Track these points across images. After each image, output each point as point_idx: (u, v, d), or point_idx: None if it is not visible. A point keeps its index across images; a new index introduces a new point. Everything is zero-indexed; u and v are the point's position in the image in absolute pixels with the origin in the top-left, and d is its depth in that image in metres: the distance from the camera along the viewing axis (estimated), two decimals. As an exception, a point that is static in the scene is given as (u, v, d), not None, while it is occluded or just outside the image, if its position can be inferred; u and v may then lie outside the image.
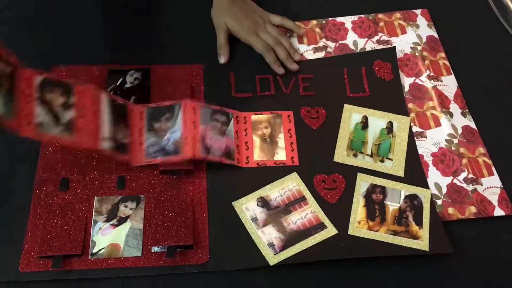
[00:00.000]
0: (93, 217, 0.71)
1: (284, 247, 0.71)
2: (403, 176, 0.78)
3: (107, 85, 0.83)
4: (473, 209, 0.75)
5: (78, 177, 0.74)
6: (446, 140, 0.81)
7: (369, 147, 0.80)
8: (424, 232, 0.72)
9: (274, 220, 0.73)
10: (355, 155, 0.80)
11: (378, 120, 0.83)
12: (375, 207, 0.75)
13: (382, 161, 0.79)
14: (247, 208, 0.74)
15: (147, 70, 0.85)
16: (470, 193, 0.77)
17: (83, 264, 0.68)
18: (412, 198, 0.75)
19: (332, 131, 0.82)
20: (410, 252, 0.70)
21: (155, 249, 0.70)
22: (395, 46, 0.90)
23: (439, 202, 0.76)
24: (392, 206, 0.75)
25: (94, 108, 0.72)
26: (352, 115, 0.83)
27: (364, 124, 0.83)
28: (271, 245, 0.71)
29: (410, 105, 0.85)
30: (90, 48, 0.88)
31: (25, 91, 0.66)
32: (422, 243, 0.71)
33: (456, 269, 0.71)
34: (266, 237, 0.71)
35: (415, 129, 0.83)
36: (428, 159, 0.80)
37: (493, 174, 0.79)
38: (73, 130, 0.69)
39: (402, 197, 0.76)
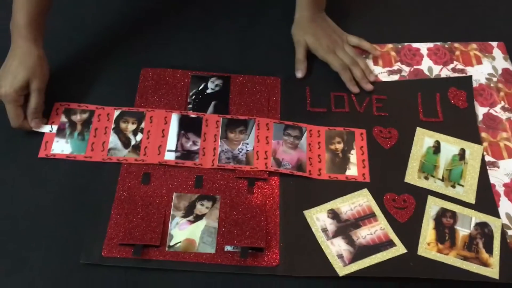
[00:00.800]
0: (172, 212, 0.75)
1: (353, 259, 0.72)
2: (474, 203, 0.78)
3: (189, 89, 0.87)
4: None
5: (159, 172, 0.78)
6: None
7: (440, 171, 0.81)
8: (495, 260, 0.72)
9: (344, 232, 0.75)
10: (426, 178, 0.81)
11: (450, 146, 0.84)
12: (445, 230, 0.75)
13: (453, 186, 0.80)
14: (318, 218, 0.76)
15: (227, 78, 0.89)
16: None
17: (161, 255, 0.71)
18: (482, 226, 0.76)
19: (403, 152, 0.83)
20: (480, 279, 0.70)
21: (228, 248, 0.72)
22: (471, 75, 0.92)
23: (510, 232, 0.76)
24: (463, 231, 0.75)
25: (161, 128, 0.81)
26: (424, 138, 0.85)
27: (436, 148, 0.84)
28: (340, 256, 0.72)
29: (483, 134, 0.86)
30: (177, 54, 0.93)
31: (104, 125, 0.81)
32: (492, 271, 0.71)
33: None
34: (335, 248, 0.73)
35: (488, 158, 0.83)
36: (500, 189, 0.80)
37: None
38: (139, 151, 0.79)
39: (473, 224, 0.76)
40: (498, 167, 0.82)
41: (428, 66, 0.94)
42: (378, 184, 0.80)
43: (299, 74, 0.91)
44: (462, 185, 0.80)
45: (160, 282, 0.70)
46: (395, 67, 0.94)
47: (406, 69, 0.94)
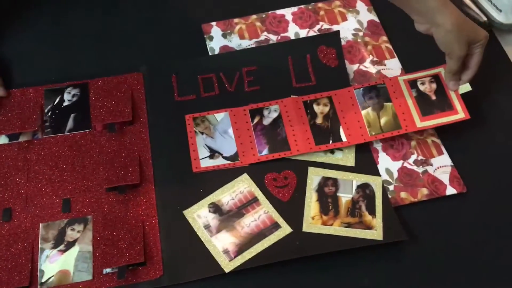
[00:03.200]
0: (40, 245, 0.69)
1: (239, 252, 0.69)
2: (353, 165, 0.77)
3: (44, 105, 0.80)
4: (425, 191, 0.75)
5: (21, 205, 0.72)
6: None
7: (318, 139, 0.79)
8: (378, 221, 0.71)
9: (227, 225, 0.72)
10: (305, 149, 0.78)
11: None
12: (328, 200, 0.74)
13: (332, 152, 0.78)
14: (199, 215, 0.72)
15: (85, 85, 0.83)
16: (421, 175, 0.76)
17: (33, 295, 0.66)
18: (364, 187, 0.74)
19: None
20: (364, 243, 0.69)
21: (107, 270, 0.68)
22: (338, 30, 0.89)
23: (391, 187, 0.75)
24: (345, 197, 0.74)
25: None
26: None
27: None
28: (225, 251, 0.69)
29: None
30: (27, 69, 0.85)
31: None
32: (376, 233, 0.70)
33: (411, 254, 0.71)
34: (220, 243, 0.70)
35: None
36: (378, 145, 0.79)
37: (442, 154, 0.78)
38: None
39: (354, 187, 0.75)
40: None
41: (295, 32, 0.90)
42: (257, 166, 0.77)
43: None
44: (341, 149, 0.78)
45: (40, 323, 0.65)
46: (262, 37, 0.90)
47: (273, 38, 0.90)
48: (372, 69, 0.86)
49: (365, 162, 0.77)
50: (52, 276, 0.67)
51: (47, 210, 0.72)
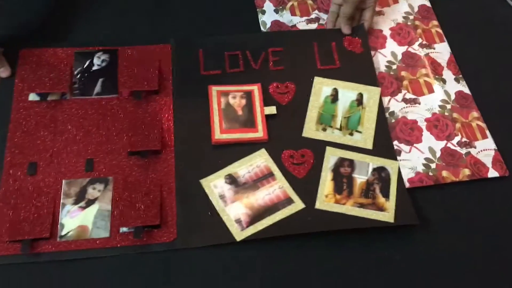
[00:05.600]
0: (62, 200, 0.72)
1: (251, 222, 0.71)
2: (371, 148, 0.77)
3: (74, 67, 0.83)
4: (467, 171, 0.75)
5: (46, 160, 0.75)
6: (439, 106, 0.82)
7: (338, 121, 0.80)
8: (391, 204, 0.72)
9: (242, 196, 0.73)
10: (324, 129, 0.79)
11: (348, 92, 0.82)
12: (342, 180, 0.75)
13: (351, 134, 0.79)
14: (215, 185, 0.74)
15: (114, 52, 0.85)
16: (464, 156, 0.77)
17: (52, 246, 0.69)
18: (379, 171, 0.75)
19: (302, 106, 0.81)
20: (375, 224, 0.70)
21: (124, 229, 0.70)
22: (363, 23, 0.89)
23: (433, 165, 0.76)
24: (360, 179, 0.75)
25: None
26: (322, 88, 0.83)
27: (334, 97, 0.82)
28: (238, 221, 0.71)
29: (403, 73, 0.85)
30: (59, 31, 0.87)
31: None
32: (388, 215, 0.71)
33: (451, 233, 0.72)
34: (233, 213, 0.72)
35: (408, 95, 0.83)
36: (422, 124, 0.80)
37: (486, 137, 0.79)
38: None
39: (370, 169, 0.75)
40: (419, 103, 0.82)
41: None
42: (276, 142, 0.78)
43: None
44: (360, 132, 0.79)
45: (57, 273, 0.68)
46: (313, 16, 0.92)
47: (324, 17, 0.92)
48: (421, 52, 0.87)
49: (384, 146, 0.78)
50: (72, 230, 0.70)
51: (71, 168, 0.75)
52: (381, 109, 0.81)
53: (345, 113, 0.81)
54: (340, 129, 0.79)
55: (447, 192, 0.75)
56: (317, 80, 0.83)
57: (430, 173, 0.75)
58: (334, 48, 0.87)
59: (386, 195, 0.73)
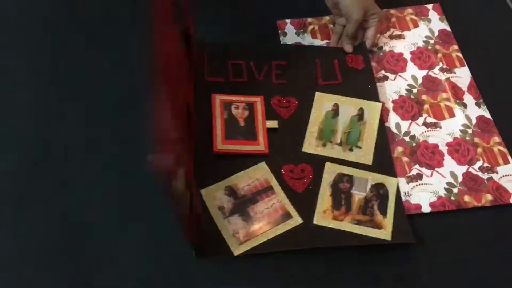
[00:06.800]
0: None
1: (249, 237, 0.71)
2: (371, 164, 0.78)
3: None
4: (489, 196, 0.75)
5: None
6: (460, 131, 0.82)
7: (338, 136, 0.80)
8: (388, 222, 0.72)
9: (241, 209, 0.74)
10: (324, 145, 0.80)
11: (349, 108, 0.83)
12: (341, 196, 0.75)
13: (351, 149, 0.79)
14: (215, 197, 0.75)
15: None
16: (486, 181, 0.77)
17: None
18: (378, 187, 0.76)
19: (303, 121, 0.82)
20: (372, 242, 0.71)
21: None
22: (364, 41, 0.90)
23: (455, 190, 0.76)
24: (359, 195, 0.75)
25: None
26: (323, 104, 0.83)
27: (335, 112, 0.83)
28: (236, 234, 0.72)
29: (424, 97, 0.86)
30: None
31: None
32: (385, 233, 0.72)
33: (478, 255, 0.72)
34: (231, 226, 0.72)
35: (429, 119, 0.83)
36: (443, 148, 0.80)
37: (508, 163, 0.79)
38: None
39: (369, 186, 0.76)
40: (440, 127, 0.82)
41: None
42: (277, 156, 0.78)
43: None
44: (360, 147, 0.79)
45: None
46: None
47: None
48: (441, 76, 0.88)
49: (383, 162, 0.78)
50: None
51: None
52: (382, 125, 0.81)
53: (345, 128, 0.81)
54: (340, 144, 0.80)
55: (469, 217, 0.75)
56: (318, 95, 0.84)
57: (452, 198, 0.75)
58: (337, 65, 0.88)
59: (383, 212, 0.73)
